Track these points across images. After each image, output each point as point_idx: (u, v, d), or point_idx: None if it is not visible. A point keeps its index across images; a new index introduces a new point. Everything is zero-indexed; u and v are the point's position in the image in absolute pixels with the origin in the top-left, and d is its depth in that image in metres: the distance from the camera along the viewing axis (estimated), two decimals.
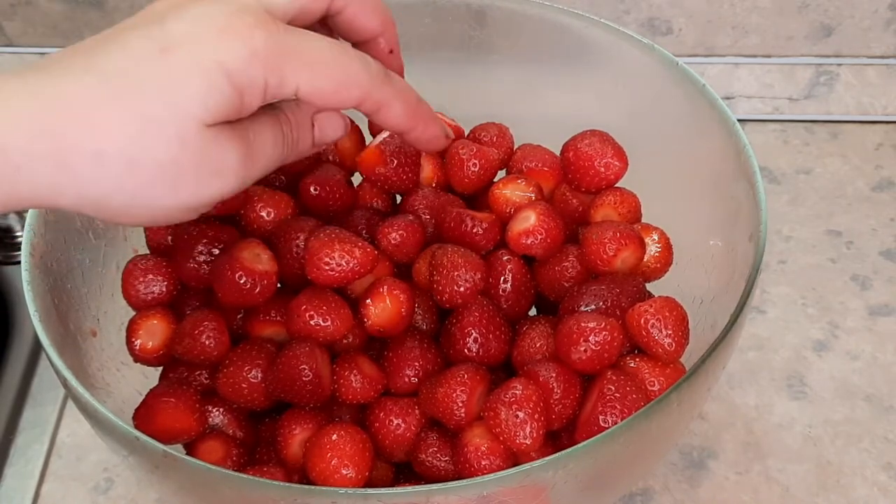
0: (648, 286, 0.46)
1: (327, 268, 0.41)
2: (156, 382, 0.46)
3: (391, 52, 0.41)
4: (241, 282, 0.42)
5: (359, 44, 0.40)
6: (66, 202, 0.32)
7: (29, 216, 0.43)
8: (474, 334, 0.43)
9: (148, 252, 0.48)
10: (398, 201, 0.51)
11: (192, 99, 0.31)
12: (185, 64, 0.32)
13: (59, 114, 0.30)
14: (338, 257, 0.41)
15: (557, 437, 0.41)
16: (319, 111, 0.38)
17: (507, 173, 0.52)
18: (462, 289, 0.43)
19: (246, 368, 0.43)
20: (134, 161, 0.31)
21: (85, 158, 0.30)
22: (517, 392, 0.39)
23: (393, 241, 0.46)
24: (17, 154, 0.30)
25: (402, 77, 0.41)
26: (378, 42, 0.40)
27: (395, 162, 0.48)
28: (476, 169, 0.49)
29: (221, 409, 0.44)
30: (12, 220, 0.67)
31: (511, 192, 0.48)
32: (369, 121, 0.53)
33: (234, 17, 0.33)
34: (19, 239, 0.61)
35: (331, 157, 0.51)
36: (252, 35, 0.32)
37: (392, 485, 0.44)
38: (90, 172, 0.31)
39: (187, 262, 0.45)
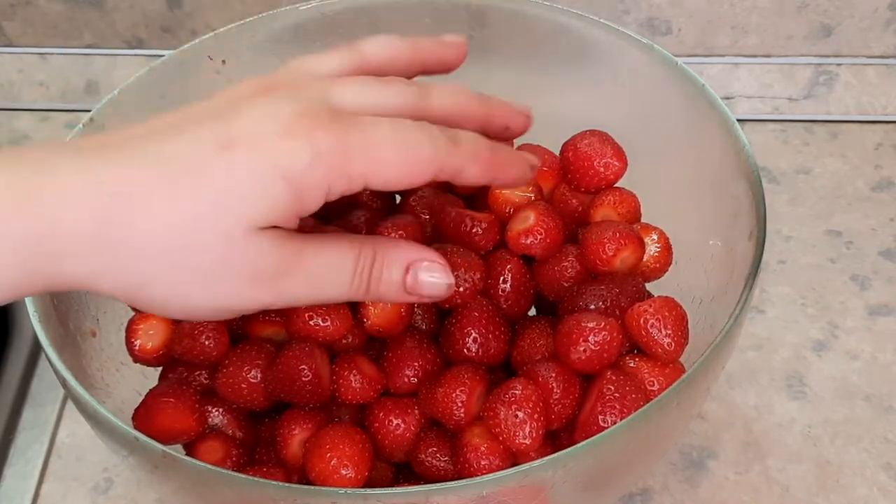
0: (648, 286, 0.46)
1: None
2: (155, 382, 0.46)
3: (507, 127, 0.39)
4: None
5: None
6: (104, 288, 0.31)
7: None
8: (474, 334, 0.43)
9: None
10: (398, 201, 0.51)
11: (244, 199, 0.31)
12: (242, 163, 0.31)
13: (111, 200, 0.30)
14: None
15: (557, 437, 0.41)
16: (420, 259, 0.35)
17: None
18: (461, 289, 0.43)
19: (245, 368, 0.43)
20: (176, 256, 0.31)
21: (131, 248, 0.30)
22: (517, 392, 0.39)
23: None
24: (67, 240, 0.30)
25: (528, 120, 0.40)
26: (488, 128, 0.38)
27: None
28: None
29: (221, 410, 0.44)
30: None
31: (510, 191, 0.48)
32: None
33: (299, 117, 0.32)
34: None
35: None
36: (315, 138, 0.32)
37: (392, 485, 0.44)
38: (133, 262, 0.31)
39: None
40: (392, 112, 0.35)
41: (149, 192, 0.30)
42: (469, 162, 0.35)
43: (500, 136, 0.39)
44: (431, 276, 0.35)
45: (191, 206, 0.31)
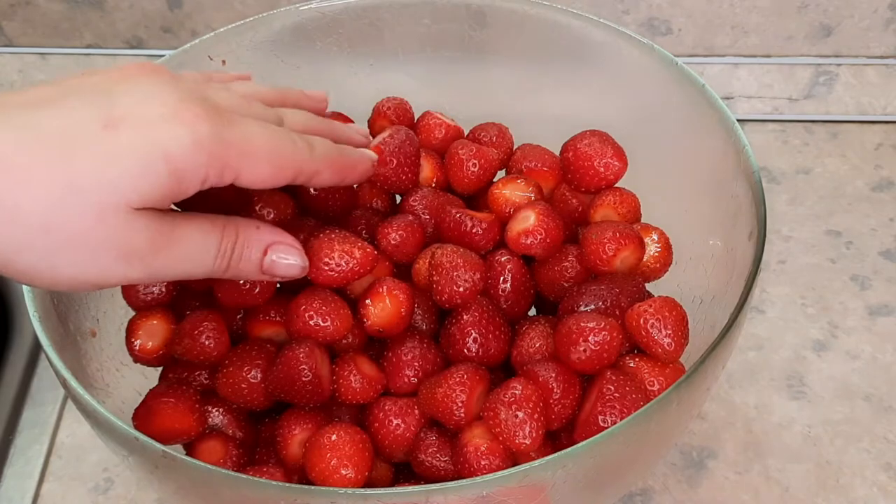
0: (648, 286, 0.46)
1: (327, 268, 0.41)
2: (155, 382, 0.46)
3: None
4: (241, 282, 0.42)
5: None
6: None
7: None
8: (474, 334, 0.43)
9: None
10: (398, 201, 0.51)
11: (124, 180, 0.32)
12: (124, 143, 0.32)
13: None
14: (337, 257, 0.41)
15: (557, 437, 0.41)
16: (278, 242, 0.38)
17: (507, 173, 0.52)
18: (462, 289, 0.43)
19: (246, 368, 0.43)
20: (48, 225, 0.31)
21: (1, 215, 0.30)
22: (517, 392, 0.39)
23: (393, 242, 0.46)
24: None
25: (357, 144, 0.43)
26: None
27: (395, 162, 0.48)
28: (476, 169, 0.49)
29: (221, 410, 0.44)
30: None
31: (511, 192, 0.48)
32: (369, 121, 0.53)
33: (184, 103, 0.33)
34: None
35: None
36: (197, 124, 0.33)
37: (392, 485, 0.44)
38: (3, 227, 0.31)
39: None
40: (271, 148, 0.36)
41: (22, 161, 0.30)
42: (322, 167, 0.38)
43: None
44: (286, 258, 0.38)
45: (66, 179, 0.31)
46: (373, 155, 0.43)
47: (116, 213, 0.32)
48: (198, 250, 0.35)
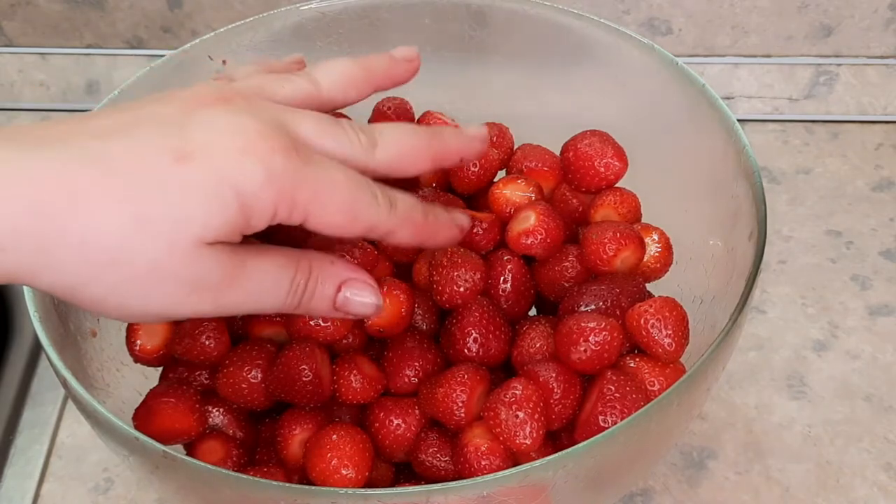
0: (648, 286, 0.46)
1: None
2: (156, 382, 0.46)
3: (461, 160, 0.40)
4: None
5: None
6: (41, 284, 0.31)
7: None
8: (474, 334, 0.43)
9: None
10: None
11: (195, 215, 0.31)
12: (196, 178, 0.31)
13: (49, 196, 0.29)
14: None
15: (557, 437, 0.41)
16: (353, 280, 0.36)
17: (507, 173, 0.52)
18: (462, 289, 0.43)
19: (246, 369, 0.43)
20: (117, 259, 0.30)
21: (69, 246, 0.30)
22: (517, 392, 0.39)
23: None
24: (4, 235, 0.29)
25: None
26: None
27: None
28: (476, 169, 0.49)
29: (221, 410, 0.44)
30: None
31: (511, 192, 0.48)
32: (369, 121, 0.53)
33: (258, 137, 0.32)
34: None
35: None
36: (272, 160, 0.31)
37: (392, 485, 0.44)
38: (70, 261, 0.30)
39: None
40: (339, 159, 0.35)
41: (91, 191, 0.30)
42: (401, 227, 0.36)
43: (457, 167, 0.40)
44: (360, 296, 0.37)
45: (137, 214, 0.30)
46: (464, 221, 0.41)
47: (186, 249, 0.31)
48: (270, 286, 0.34)
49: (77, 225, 0.30)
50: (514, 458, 0.39)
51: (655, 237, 0.47)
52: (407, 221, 0.37)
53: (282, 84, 0.37)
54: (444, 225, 0.39)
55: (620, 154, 0.47)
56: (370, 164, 0.36)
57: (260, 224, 0.32)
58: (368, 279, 0.37)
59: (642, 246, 0.45)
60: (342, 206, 0.34)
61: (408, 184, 0.49)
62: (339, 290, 0.36)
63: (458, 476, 0.40)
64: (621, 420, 0.38)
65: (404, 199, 0.37)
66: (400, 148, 0.37)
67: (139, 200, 0.30)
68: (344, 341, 0.44)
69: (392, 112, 0.52)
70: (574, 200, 0.49)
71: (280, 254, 0.35)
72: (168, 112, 0.32)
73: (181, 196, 0.30)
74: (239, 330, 0.46)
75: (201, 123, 0.32)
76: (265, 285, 0.34)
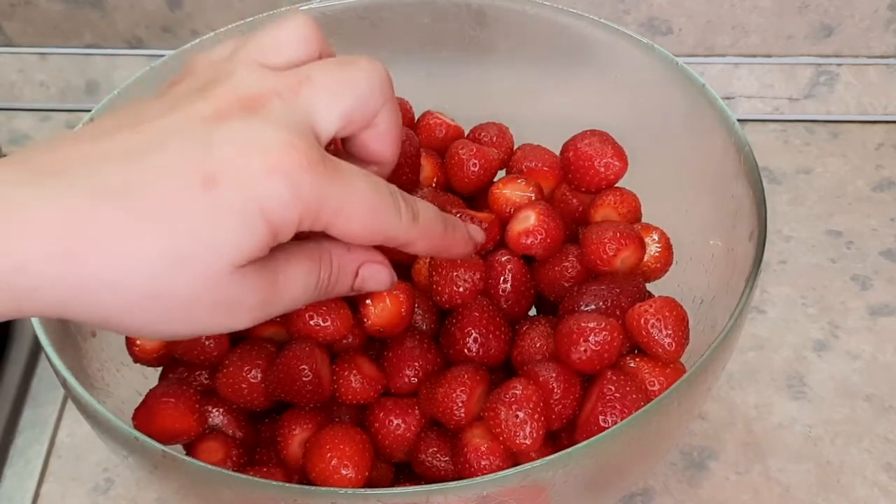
0: (648, 286, 0.46)
1: None
2: (155, 382, 0.45)
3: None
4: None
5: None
6: (75, 318, 0.30)
7: None
8: (474, 334, 0.43)
9: None
10: None
11: (227, 241, 0.30)
12: (226, 203, 0.30)
13: (81, 237, 0.28)
14: None
15: (557, 437, 0.41)
16: (368, 261, 0.37)
17: (507, 173, 0.52)
18: (461, 289, 0.43)
19: (246, 368, 0.43)
20: (151, 293, 0.30)
21: (102, 286, 0.29)
22: (517, 392, 0.39)
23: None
24: (35, 276, 0.28)
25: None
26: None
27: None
28: (476, 169, 0.49)
29: (221, 410, 0.44)
30: None
31: (511, 191, 0.48)
32: None
33: (286, 152, 0.31)
34: None
35: None
36: (300, 178, 0.31)
37: (392, 485, 0.44)
38: (104, 299, 0.29)
39: None
40: (362, 105, 0.35)
41: (120, 231, 0.29)
42: (421, 238, 0.36)
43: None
44: (376, 276, 0.37)
45: (169, 247, 0.29)
46: (480, 237, 0.42)
47: (222, 277, 0.30)
48: (300, 292, 0.34)
49: (108, 266, 0.29)
50: (514, 458, 0.39)
51: (655, 237, 0.47)
52: (427, 234, 0.37)
53: (281, 47, 0.35)
54: (460, 239, 0.39)
55: (620, 154, 0.47)
56: (389, 93, 0.36)
57: (286, 238, 0.32)
58: (382, 258, 0.37)
59: (642, 246, 0.45)
60: (365, 220, 0.34)
61: (408, 184, 0.49)
62: (356, 274, 0.37)
63: (458, 476, 0.40)
64: (621, 420, 0.38)
65: (426, 211, 0.37)
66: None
67: (170, 235, 0.29)
68: (344, 341, 0.44)
69: None
70: (574, 200, 0.49)
71: (305, 255, 0.35)
72: (189, 128, 0.31)
73: (212, 224, 0.30)
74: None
75: (225, 140, 0.31)
76: (298, 291, 0.34)
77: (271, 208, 0.31)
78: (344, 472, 0.39)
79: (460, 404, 0.40)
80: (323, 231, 0.33)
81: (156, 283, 0.30)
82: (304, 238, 0.34)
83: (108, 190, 0.29)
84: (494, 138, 0.53)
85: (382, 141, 0.37)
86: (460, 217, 0.46)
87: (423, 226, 0.36)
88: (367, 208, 0.33)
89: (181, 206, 0.30)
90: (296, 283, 0.34)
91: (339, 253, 0.36)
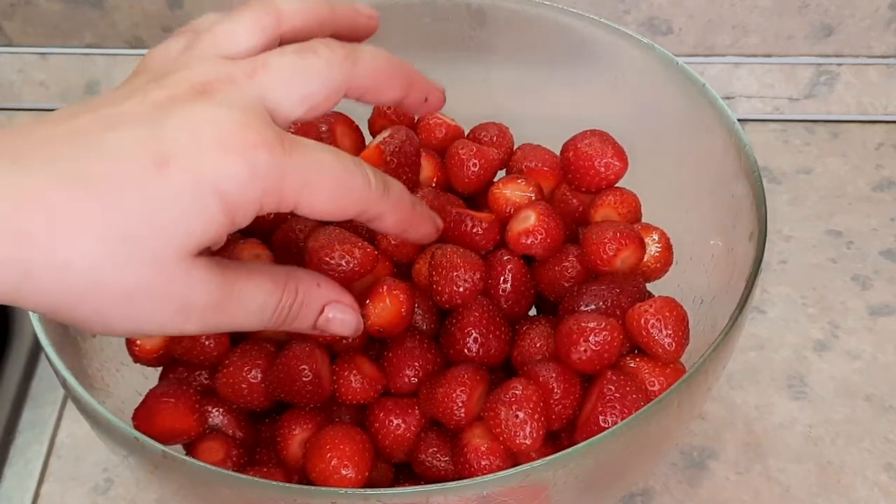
0: (648, 286, 0.46)
1: (327, 268, 0.41)
2: (156, 382, 0.45)
3: (426, 100, 0.39)
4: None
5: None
6: (26, 305, 0.30)
7: None
8: (474, 334, 0.43)
9: None
10: None
11: (177, 222, 0.30)
12: (177, 183, 0.29)
13: (29, 218, 0.28)
14: (338, 257, 0.41)
15: (557, 437, 0.41)
16: (336, 301, 0.36)
17: (507, 173, 0.52)
18: (461, 289, 0.43)
19: (246, 368, 0.43)
20: (100, 282, 0.29)
21: (51, 270, 0.29)
22: (517, 392, 0.39)
23: (393, 241, 0.46)
24: None
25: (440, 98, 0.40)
26: (406, 102, 0.38)
27: (395, 162, 0.48)
28: (476, 169, 0.49)
29: (221, 410, 0.44)
30: None
31: (511, 191, 0.48)
32: (369, 120, 0.53)
33: (239, 131, 0.30)
34: None
35: None
36: (255, 156, 0.30)
37: (392, 485, 0.44)
38: (54, 283, 0.29)
39: None
40: (325, 93, 0.34)
41: (70, 213, 0.29)
42: (392, 210, 0.36)
43: (420, 107, 0.40)
44: (342, 317, 0.37)
45: (118, 229, 0.29)
46: (439, 221, 0.41)
47: (171, 264, 0.30)
48: (256, 308, 0.34)
49: (59, 247, 0.28)
50: (514, 458, 0.39)
51: (655, 237, 0.47)
52: (397, 206, 0.36)
53: (237, 32, 0.35)
54: (426, 218, 0.40)
55: (620, 154, 0.47)
56: (353, 81, 0.35)
57: (245, 222, 0.32)
58: (351, 302, 0.37)
59: (642, 246, 0.45)
60: (333, 191, 0.33)
61: (408, 184, 0.49)
62: (321, 311, 0.36)
63: (458, 476, 0.40)
64: (621, 420, 0.38)
65: (396, 184, 0.36)
66: (379, 64, 0.36)
67: (120, 215, 0.29)
68: (344, 341, 0.44)
69: (392, 111, 0.52)
70: (574, 200, 0.49)
71: (268, 277, 0.34)
72: (143, 112, 0.31)
73: (162, 206, 0.29)
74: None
75: (177, 122, 0.30)
76: (252, 308, 0.34)
77: (227, 188, 0.30)
78: (344, 472, 0.39)
79: (460, 404, 0.40)
80: (292, 212, 0.32)
81: (104, 270, 0.29)
82: (284, 244, 0.34)
83: (59, 170, 0.29)
84: (494, 138, 0.53)
85: (381, 91, 0.37)
86: (459, 216, 0.46)
87: (394, 198, 0.36)
88: (333, 180, 0.33)
89: (131, 187, 0.29)
90: (252, 299, 0.33)
91: (308, 285, 0.35)
